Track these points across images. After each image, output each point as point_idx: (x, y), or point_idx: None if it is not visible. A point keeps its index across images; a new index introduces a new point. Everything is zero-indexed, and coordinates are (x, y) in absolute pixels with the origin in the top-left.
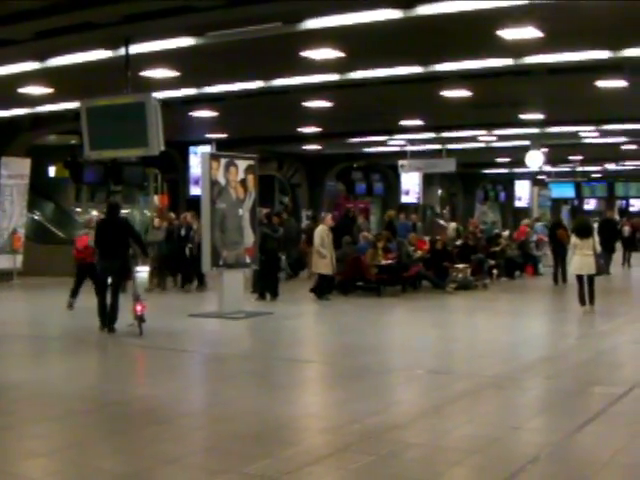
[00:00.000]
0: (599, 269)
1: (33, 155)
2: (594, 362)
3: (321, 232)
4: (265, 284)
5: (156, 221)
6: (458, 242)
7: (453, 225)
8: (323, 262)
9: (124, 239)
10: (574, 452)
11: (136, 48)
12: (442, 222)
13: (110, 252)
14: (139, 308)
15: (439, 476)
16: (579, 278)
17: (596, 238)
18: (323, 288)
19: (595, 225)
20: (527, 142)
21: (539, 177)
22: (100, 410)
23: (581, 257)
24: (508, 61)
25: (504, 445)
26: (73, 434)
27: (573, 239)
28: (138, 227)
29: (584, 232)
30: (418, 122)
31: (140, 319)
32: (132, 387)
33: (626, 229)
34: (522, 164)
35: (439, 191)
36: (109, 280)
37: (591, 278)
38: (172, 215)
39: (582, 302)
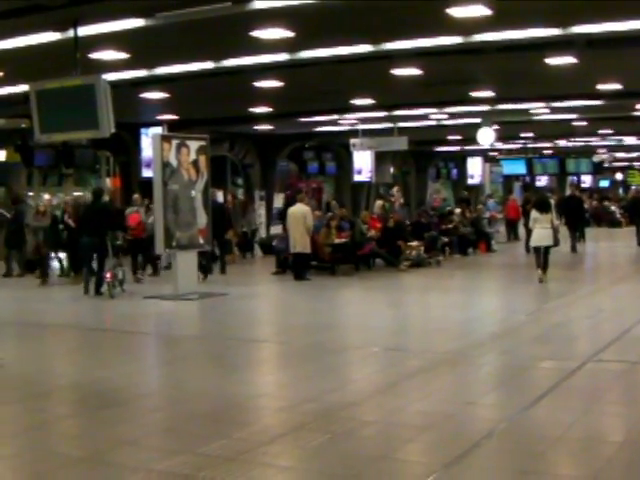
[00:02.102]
0: (556, 242)
1: None
2: (547, 337)
3: (310, 212)
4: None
5: (41, 206)
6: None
7: (379, 202)
8: (309, 241)
9: (104, 220)
10: (528, 427)
11: (85, 30)
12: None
13: (91, 230)
14: (108, 276)
15: (394, 453)
16: (537, 249)
17: (554, 213)
18: (305, 267)
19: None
20: (478, 119)
21: (491, 154)
22: (56, 393)
23: (540, 230)
24: (458, 39)
25: (458, 421)
26: (29, 418)
27: (533, 213)
28: None
29: (543, 207)
30: (369, 101)
31: (110, 285)
32: (88, 370)
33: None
34: (474, 141)
35: (391, 169)
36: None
37: (547, 249)
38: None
39: (541, 269)
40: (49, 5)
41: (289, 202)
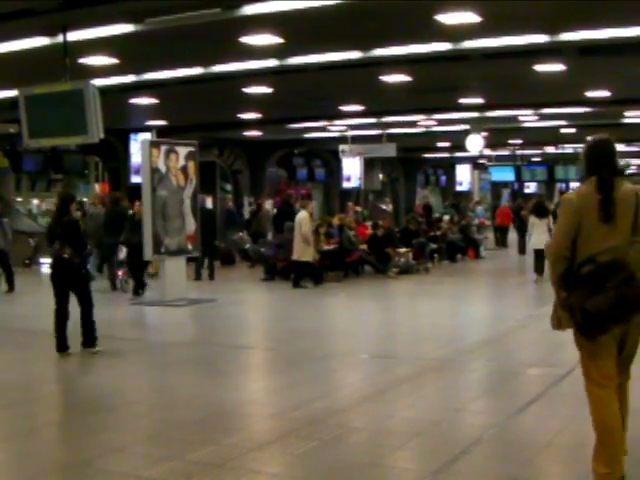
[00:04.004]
0: None
1: None
2: (535, 343)
3: (308, 219)
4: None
5: None
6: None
7: (357, 209)
8: (309, 250)
9: (122, 223)
10: (516, 433)
11: (74, 35)
12: (384, 206)
13: (111, 232)
14: (120, 273)
15: (383, 459)
16: (536, 252)
17: (550, 218)
18: (302, 275)
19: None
20: (467, 126)
21: (479, 161)
22: (43, 400)
23: (537, 234)
24: (447, 46)
25: (447, 427)
26: (16, 425)
27: (532, 219)
28: None
29: (541, 212)
30: (358, 107)
31: (122, 281)
32: (75, 376)
33: None
34: (462, 148)
35: (380, 176)
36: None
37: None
38: None
39: (538, 271)
40: (38, 10)
41: (279, 209)
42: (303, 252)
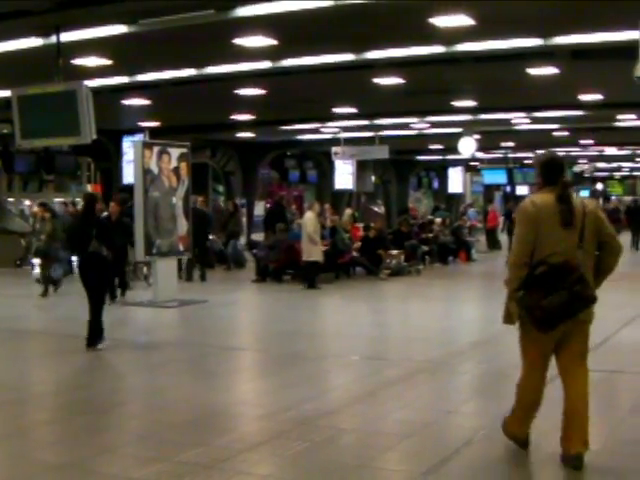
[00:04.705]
0: None
1: None
2: None
3: (313, 219)
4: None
5: None
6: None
7: (349, 211)
8: (316, 249)
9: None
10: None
11: (67, 36)
12: (376, 209)
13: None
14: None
15: (373, 461)
16: None
17: None
18: (311, 275)
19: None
20: (459, 129)
21: (472, 164)
22: (34, 400)
23: None
24: (440, 48)
25: (438, 429)
26: (7, 425)
27: None
28: None
29: None
30: (351, 109)
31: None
32: (66, 377)
33: None
34: (455, 151)
35: (372, 178)
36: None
37: None
38: None
39: None
40: (32, 11)
41: (270, 210)
42: (311, 252)
